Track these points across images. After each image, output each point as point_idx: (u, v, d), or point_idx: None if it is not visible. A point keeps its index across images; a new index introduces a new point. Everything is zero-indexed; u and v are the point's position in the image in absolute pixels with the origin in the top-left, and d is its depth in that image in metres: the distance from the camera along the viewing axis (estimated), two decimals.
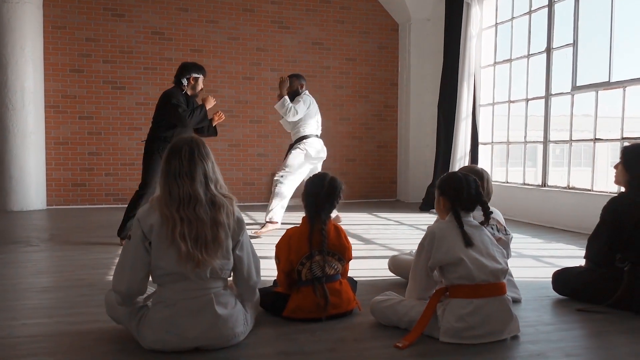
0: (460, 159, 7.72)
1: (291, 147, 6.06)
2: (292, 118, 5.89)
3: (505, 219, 3.56)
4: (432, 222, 2.83)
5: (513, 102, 7.37)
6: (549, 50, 6.64)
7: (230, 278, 2.60)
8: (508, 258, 3.29)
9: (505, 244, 3.30)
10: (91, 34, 8.22)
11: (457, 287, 2.58)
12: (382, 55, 9.42)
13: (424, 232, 2.73)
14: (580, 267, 3.38)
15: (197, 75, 5.21)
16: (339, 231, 2.96)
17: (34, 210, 7.72)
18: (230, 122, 8.71)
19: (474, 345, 2.52)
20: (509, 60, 7.43)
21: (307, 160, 5.98)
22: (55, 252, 4.86)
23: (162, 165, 2.47)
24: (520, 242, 5.29)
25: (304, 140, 5.99)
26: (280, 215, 5.85)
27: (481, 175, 3.45)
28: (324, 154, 6.14)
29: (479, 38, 7.73)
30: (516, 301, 3.25)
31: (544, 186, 6.68)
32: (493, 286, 2.58)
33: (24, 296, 3.42)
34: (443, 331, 2.55)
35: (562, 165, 8.40)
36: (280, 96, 5.90)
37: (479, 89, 7.80)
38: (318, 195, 2.91)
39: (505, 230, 3.36)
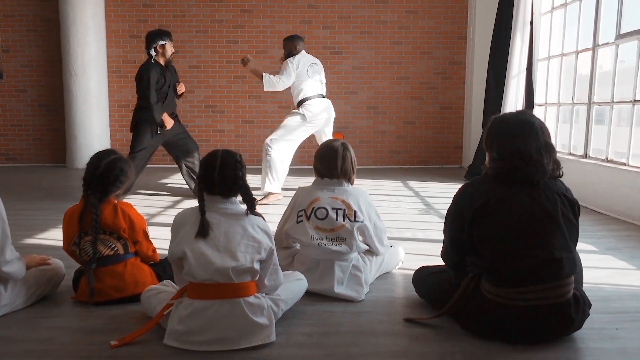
0: None
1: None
2: (282, 88, 5.66)
3: None
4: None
5: (565, 55, 6.15)
6: None
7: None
8: (352, 250, 2.80)
9: (348, 233, 2.79)
10: (147, 0, 8.52)
11: (189, 286, 2.24)
12: (448, 6, 8.44)
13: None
14: (440, 266, 2.73)
15: (162, 42, 5.36)
16: (117, 210, 2.68)
17: None
18: None
19: (199, 353, 2.18)
20: (564, 5, 6.18)
21: (303, 124, 5.68)
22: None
23: None
24: None
25: (304, 103, 5.71)
26: (276, 186, 5.59)
27: (335, 152, 2.95)
28: (327, 114, 5.79)
29: None
30: (353, 300, 2.76)
31: (586, 157, 5.54)
32: (222, 287, 2.18)
33: None
34: (167, 333, 2.24)
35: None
36: (258, 75, 5.62)
37: (537, 41, 6.64)
38: (92, 174, 2.67)
39: (355, 217, 2.83)
